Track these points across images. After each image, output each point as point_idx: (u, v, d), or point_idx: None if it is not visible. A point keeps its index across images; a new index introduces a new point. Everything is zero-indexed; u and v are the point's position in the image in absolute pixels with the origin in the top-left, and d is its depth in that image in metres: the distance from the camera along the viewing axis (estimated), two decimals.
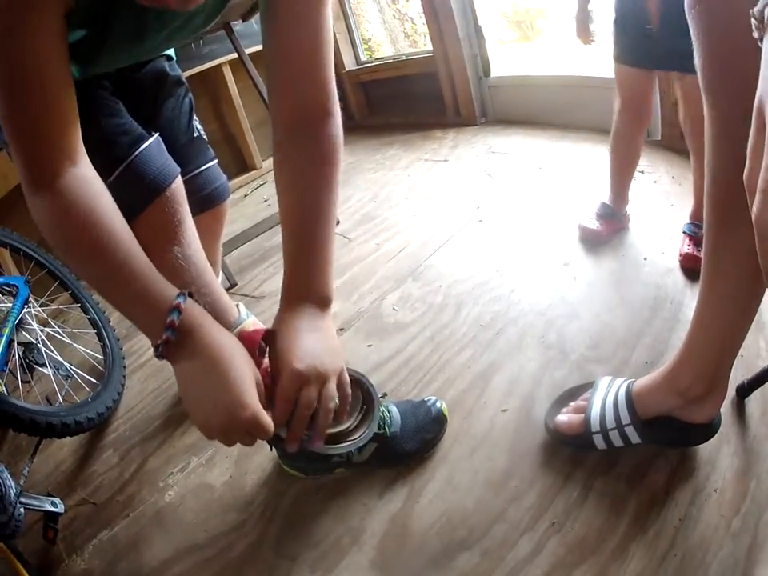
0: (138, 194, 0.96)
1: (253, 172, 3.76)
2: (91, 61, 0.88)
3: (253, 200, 3.32)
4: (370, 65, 4.06)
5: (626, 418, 1.03)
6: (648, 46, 1.54)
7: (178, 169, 1.04)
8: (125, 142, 0.99)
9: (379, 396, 1.20)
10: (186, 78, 2.72)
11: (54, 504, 1.34)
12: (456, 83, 3.39)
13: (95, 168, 0.80)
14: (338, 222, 2.51)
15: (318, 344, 0.84)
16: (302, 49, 0.86)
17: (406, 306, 1.76)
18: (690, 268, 1.56)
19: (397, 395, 1.39)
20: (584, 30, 1.82)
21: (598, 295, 1.56)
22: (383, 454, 1.15)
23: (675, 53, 1.40)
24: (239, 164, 3.79)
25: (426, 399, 1.26)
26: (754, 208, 0.44)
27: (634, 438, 1.03)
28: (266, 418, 0.72)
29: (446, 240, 2.09)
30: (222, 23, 2.28)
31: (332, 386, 0.81)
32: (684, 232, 1.66)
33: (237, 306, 1.00)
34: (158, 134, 1.07)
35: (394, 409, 1.20)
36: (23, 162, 0.75)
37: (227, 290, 2.15)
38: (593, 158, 2.49)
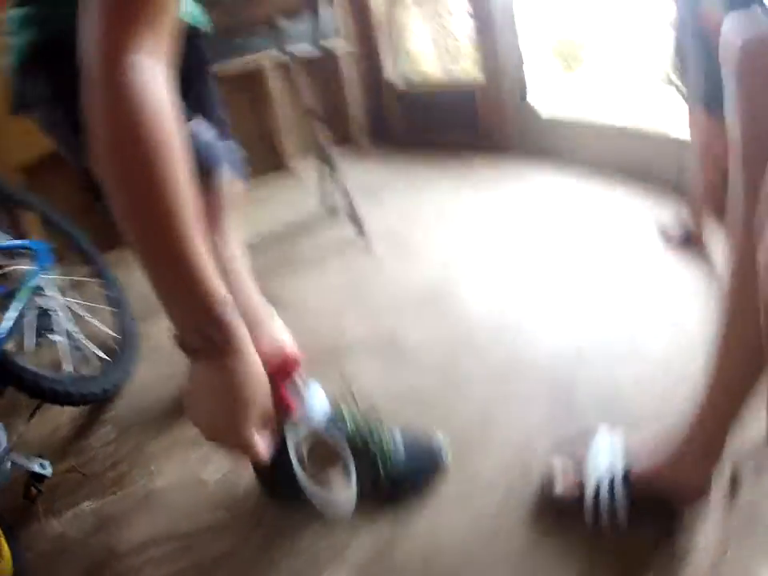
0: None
1: (285, 173, 3.75)
2: None
3: (282, 202, 3.29)
4: (411, 80, 4.07)
5: (619, 486, 1.03)
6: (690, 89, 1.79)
7: (224, 158, 1.04)
8: None
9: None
10: (228, 75, 2.76)
11: (42, 466, 1.36)
12: (494, 108, 3.38)
13: None
14: (364, 234, 2.49)
15: None
16: None
17: (422, 333, 1.74)
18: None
19: (398, 422, 1.38)
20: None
21: (614, 347, 1.54)
22: (378, 480, 1.14)
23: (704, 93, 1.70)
24: (272, 163, 3.79)
25: (427, 432, 1.25)
26: (762, 284, 0.45)
27: (622, 503, 1.03)
28: (259, 449, 0.70)
29: (470, 270, 2.07)
30: (267, 19, 2.29)
31: None
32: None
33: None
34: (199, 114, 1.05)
35: (398, 436, 1.19)
36: (102, 22, 0.60)
37: None
38: (621, 203, 2.47)
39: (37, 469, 1.34)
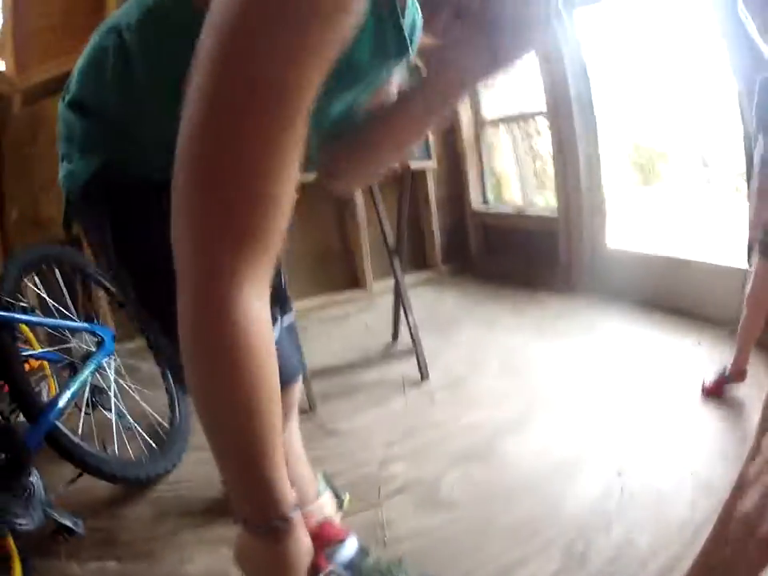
0: None
1: (361, 291, 3.79)
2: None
3: (354, 323, 3.36)
4: (494, 211, 4.11)
5: None
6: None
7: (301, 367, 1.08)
8: None
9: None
10: (315, 181, 2.82)
11: (76, 524, 1.43)
12: (572, 249, 3.38)
13: None
14: (426, 377, 2.50)
15: None
16: None
17: (461, 478, 1.76)
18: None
19: (419, 559, 1.37)
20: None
21: (636, 512, 1.52)
22: None
23: None
24: (350, 279, 3.83)
25: None
26: None
27: None
28: None
29: (520, 424, 2.06)
30: None
31: None
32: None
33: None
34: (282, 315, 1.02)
35: None
36: (200, 239, 0.53)
37: (305, 412, 2.20)
38: (679, 348, 2.46)
39: (69, 525, 1.41)
